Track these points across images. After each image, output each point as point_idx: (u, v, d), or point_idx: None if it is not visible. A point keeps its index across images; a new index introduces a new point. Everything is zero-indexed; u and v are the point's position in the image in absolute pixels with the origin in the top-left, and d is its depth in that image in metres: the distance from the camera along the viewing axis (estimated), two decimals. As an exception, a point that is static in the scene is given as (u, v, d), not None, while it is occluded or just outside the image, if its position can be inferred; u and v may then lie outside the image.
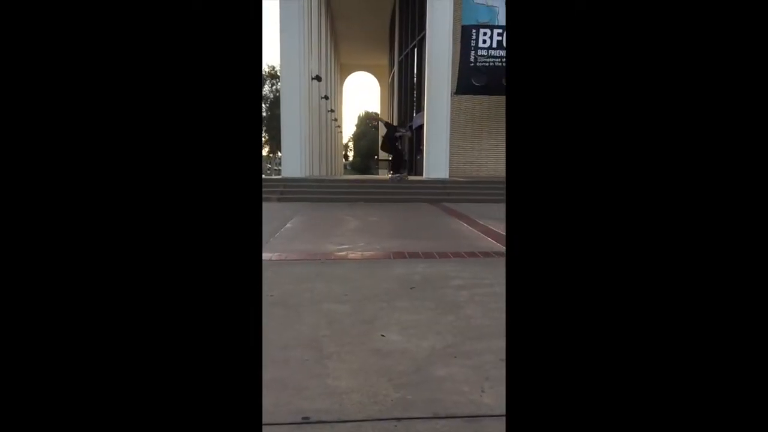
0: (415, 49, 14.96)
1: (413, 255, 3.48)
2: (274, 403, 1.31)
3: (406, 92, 17.24)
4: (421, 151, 13.12)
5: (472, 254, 3.54)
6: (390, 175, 6.92)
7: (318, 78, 13.08)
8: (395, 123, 20.80)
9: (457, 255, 3.51)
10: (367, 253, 3.56)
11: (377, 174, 23.21)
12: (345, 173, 28.52)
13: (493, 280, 2.74)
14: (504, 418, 1.26)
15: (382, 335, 1.83)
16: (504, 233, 4.59)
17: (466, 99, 12.26)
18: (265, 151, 36.94)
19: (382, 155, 24.14)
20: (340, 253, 3.55)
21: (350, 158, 46.00)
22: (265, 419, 0.97)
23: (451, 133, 11.12)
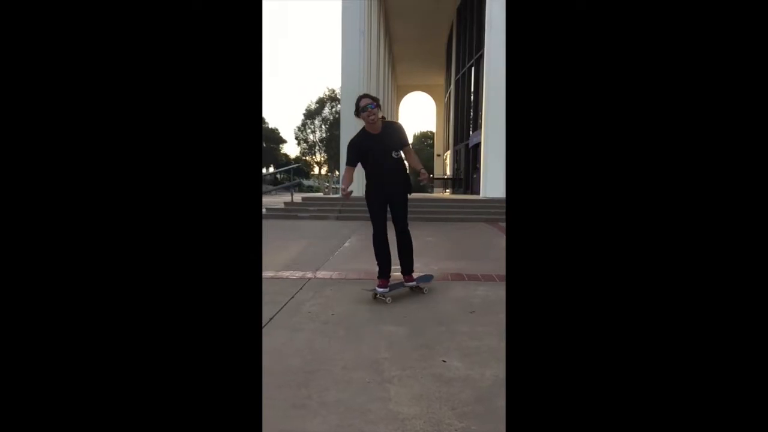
0: (473, 69, 14.94)
1: (472, 277, 3.41)
2: (338, 424, 1.33)
3: (463, 111, 17.20)
4: (478, 170, 12.94)
5: (535, 278, 3.40)
6: (378, 291, 2.69)
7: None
8: (450, 142, 20.52)
9: (518, 279, 3.39)
10: (423, 275, 3.54)
11: (432, 192, 23.16)
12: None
13: (559, 307, 2.61)
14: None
15: (443, 360, 1.81)
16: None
17: (526, 116, 11.95)
18: (324, 170, 38.28)
19: (438, 173, 24.07)
20: (398, 274, 3.57)
21: (405, 176, 46.19)
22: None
23: (510, 152, 10.87)
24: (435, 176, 23.62)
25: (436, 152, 26.98)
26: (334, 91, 36.17)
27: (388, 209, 2.79)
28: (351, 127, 10.95)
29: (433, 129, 31.01)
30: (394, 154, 2.68)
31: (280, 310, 2.52)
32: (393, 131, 2.72)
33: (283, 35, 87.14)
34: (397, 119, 26.50)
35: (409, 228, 2.83)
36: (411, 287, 2.87)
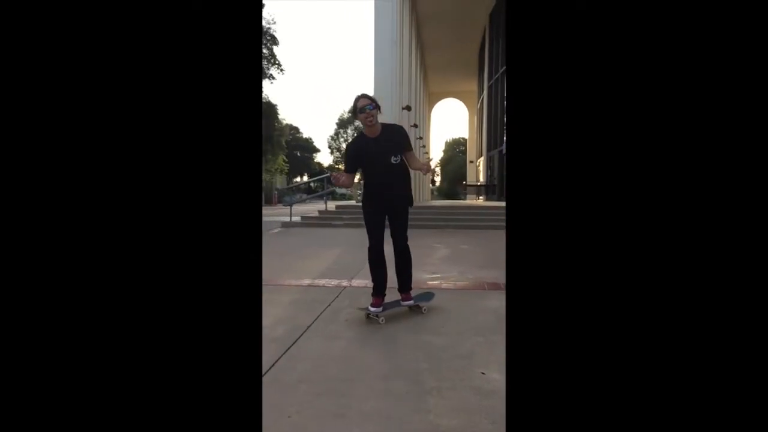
0: (506, 74, 14.75)
1: (509, 287, 3.34)
2: (379, 434, 1.34)
3: (497, 117, 16.97)
4: (512, 176, 12.69)
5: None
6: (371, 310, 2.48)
7: (408, 108, 13.48)
8: (483, 149, 20.29)
9: (557, 289, 3.29)
10: (461, 284, 3.51)
11: (465, 199, 22.90)
12: (432, 198, 28.58)
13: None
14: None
15: (482, 373, 1.78)
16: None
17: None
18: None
19: (470, 180, 23.79)
20: (433, 283, 3.55)
21: (437, 183, 46.13)
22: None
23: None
24: (468, 183, 23.36)
25: (468, 159, 26.74)
26: (366, 99, 36.48)
27: (387, 222, 2.55)
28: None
29: (465, 135, 30.77)
30: (393, 159, 2.45)
31: (317, 318, 2.56)
32: (393, 134, 2.49)
33: (316, 46, 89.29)
34: (429, 126, 26.46)
35: (408, 243, 2.59)
36: (409, 306, 2.63)
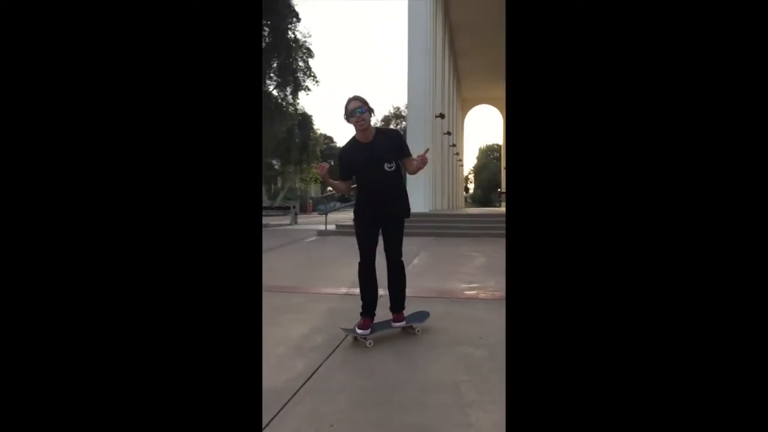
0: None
1: (549, 298, 3.25)
2: (420, 447, 1.33)
3: (532, 122, 16.61)
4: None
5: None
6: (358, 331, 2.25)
7: (441, 116, 13.45)
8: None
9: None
10: (498, 294, 3.44)
11: (499, 206, 22.50)
12: (465, 206, 28.25)
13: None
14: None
15: (525, 387, 1.74)
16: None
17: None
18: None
19: (504, 187, 23.36)
20: (470, 292, 3.50)
21: (471, 191, 45.59)
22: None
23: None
24: (502, 191, 22.97)
25: (503, 165, 26.30)
26: (399, 108, 36.79)
27: (381, 234, 2.34)
28: (417, 144, 11.05)
29: (500, 142, 30.32)
30: (387, 166, 2.23)
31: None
32: (388, 139, 2.29)
33: (349, 56, 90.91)
34: (462, 133, 26.25)
35: (403, 258, 2.39)
36: (401, 327, 2.39)
